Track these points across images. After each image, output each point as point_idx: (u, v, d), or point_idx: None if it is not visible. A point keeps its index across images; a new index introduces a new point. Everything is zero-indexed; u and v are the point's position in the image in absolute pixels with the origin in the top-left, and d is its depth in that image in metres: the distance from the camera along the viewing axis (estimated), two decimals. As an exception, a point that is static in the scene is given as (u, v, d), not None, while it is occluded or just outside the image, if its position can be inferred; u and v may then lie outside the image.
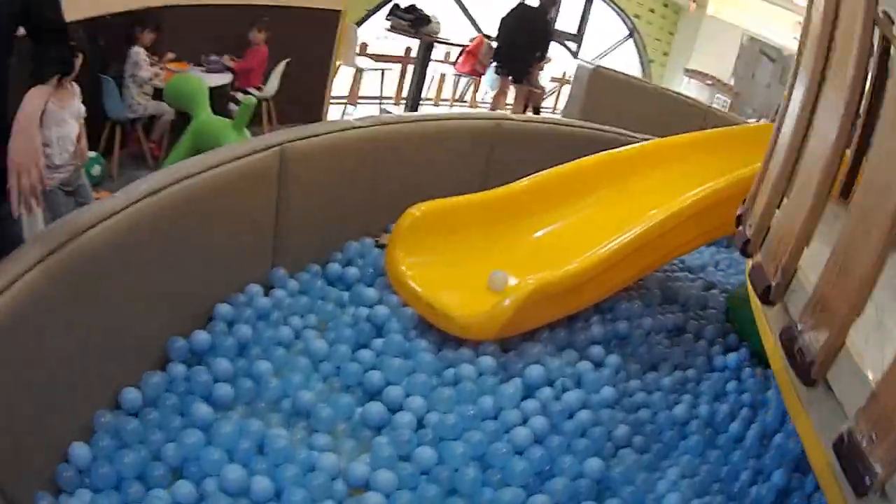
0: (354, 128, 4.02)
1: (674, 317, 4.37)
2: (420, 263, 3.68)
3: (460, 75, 10.44)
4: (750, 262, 2.93)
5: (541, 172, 4.30)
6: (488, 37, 9.72)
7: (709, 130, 5.05)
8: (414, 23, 8.83)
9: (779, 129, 3.04)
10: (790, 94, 2.99)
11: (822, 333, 1.77)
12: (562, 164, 4.49)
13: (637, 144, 4.80)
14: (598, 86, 8.49)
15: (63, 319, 2.46)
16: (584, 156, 4.61)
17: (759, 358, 4.15)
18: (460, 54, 10.02)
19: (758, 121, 15.31)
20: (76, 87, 4.27)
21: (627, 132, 5.85)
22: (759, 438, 3.53)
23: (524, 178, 4.24)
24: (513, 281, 3.64)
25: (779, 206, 2.74)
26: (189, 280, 3.19)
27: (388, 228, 4.22)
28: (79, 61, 3.80)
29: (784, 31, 14.81)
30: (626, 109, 8.43)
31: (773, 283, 2.45)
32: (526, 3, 8.85)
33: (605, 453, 3.14)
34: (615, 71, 9.41)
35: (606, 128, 5.76)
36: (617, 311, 4.18)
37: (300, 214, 3.78)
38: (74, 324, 2.52)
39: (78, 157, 4.36)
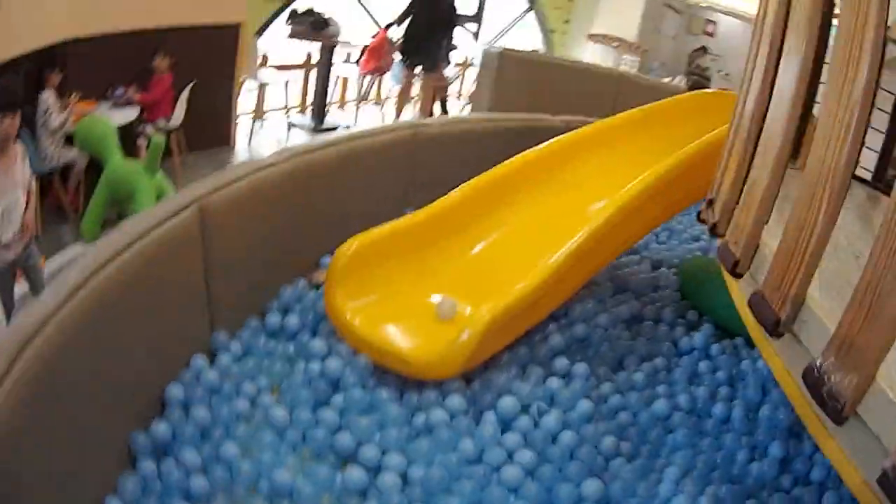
0: (268, 166, 3.81)
1: (628, 306, 4.28)
2: (363, 306, 3.50)
3: (365, 75, 10.18)
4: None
5: (469, 181, 4.12)
6: (389, 27, 9.53)
7: (641, 108, 4.84)
8: (313, 26, 8.64)
9: (742, 104, 2.96)
10: (751, 70, 2.92)
11: (851, 375, 1.69)
12: (489, 163, 4.37)
13: (567, 134, 4.62)
14: (506, 69, 8.30)
15: (28, 438, 2.28)
16: (512, 152, 4.49)
17: (723, 329, 4.15)
18: (363, 53, 9.81)
19: (672, 79, 15.48)
20: (19, 148, 3.99)
21: (548, 117, 5.84)
22: (745, 414, 3.52)
23: (454, 190, 4.06)
24: (464, 308, 3.48)
25: (744, 182, 2.72)
26: (135, 365, 3.00)
27: (320, 264, 4.09)
28: (13, 120, 3.51)
29: None
30: (538, 89, 8.38)
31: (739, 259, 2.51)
32: None
33: (597, 469, 3.04)
34: (522, 51, 9.29)
35: (526, 116, 5.72)
36: (571, 314, 4.08)
37: (229, 267, 3.58)
38: (38, 440, 2.34)
39: (27, 231, 4.07)
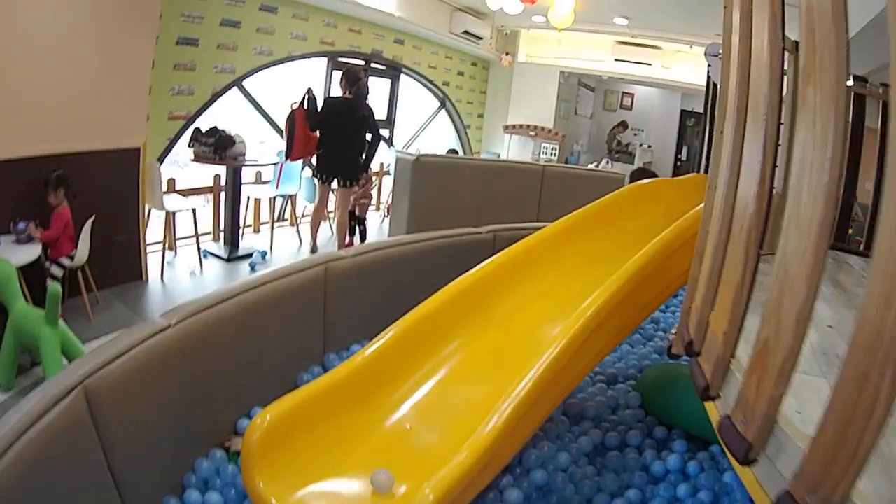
0: (159, 332, 3.33)
1: (588, 437, 3.85)
2: (288, 487, 3.01)
3: (276, 196, 9.77)
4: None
5: (396, 323, 3.66)
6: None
7: (581, 210, 4.45)
8: (217, 147, 8.12)
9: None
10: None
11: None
12: (412, 291, 4.09)
13: (500, 256, 4.16)
14: (423, 175, 8.05)
15: None
16: (437, 274, 4.22)
17: (697, 438, 3.81)
18: (290, 143, 9.18)
19: (598, 163, 15.40)
20: None
21: (472, 230, 5.56)
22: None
23: (378, 337, 3.57)
24: (400, 485, 3.02)
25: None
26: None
27: (237, 429, 3.69)
28: None
29: (600, 55, 14.97)
30: (460, 192, 8.26)
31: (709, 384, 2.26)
32: (336, 96, 8.41)
33: None
34: (438, 155, 9.02)
35: (447, 232, 5.37)
36: (526, 461, 3.62)
37: (131, 448, 3.08)
38: None
39: None
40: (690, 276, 2.81)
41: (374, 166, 11.03)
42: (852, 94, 4.37)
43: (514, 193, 8.87)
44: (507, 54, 15.33)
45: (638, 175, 6.54)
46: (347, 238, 9.23)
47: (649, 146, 18.10)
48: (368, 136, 8.34)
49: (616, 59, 14.87)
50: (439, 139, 15.40)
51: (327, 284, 4.28)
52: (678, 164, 19.42)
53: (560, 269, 4.08)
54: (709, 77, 4.74)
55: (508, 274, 4.01)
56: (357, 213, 9.47)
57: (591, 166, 14.98)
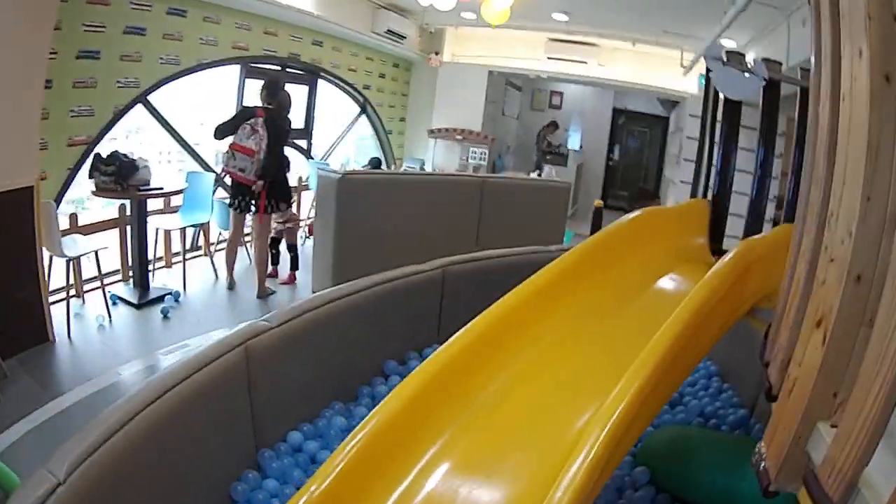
0: (54, 489, 2.61)
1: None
2: None
3: (186, 227, 8.91)
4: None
5: (358, 432, 2.77)
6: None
7: (570, 254, 3.73)
8: (118, 175, 7.20)
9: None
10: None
11: None
12: (356, 356, 4.00)
13: (471, 326, 3.27)
14: (349, 195, 7.44)
15: None
16: (379, 328, 4.14)
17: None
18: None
19: (539, 172, 14.91)
20: None
21: (417, 268, 4.99)
22: None
23: (338, 452, 2.69)
24: None
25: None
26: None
27: None
28: None
29: (532, 54, 14.66)
30: (392, 211, 7.74)
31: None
32: (253, 105, 7.78)
33: None
34: (365, 172, 8.42)
35: (389, 276, 4.76)
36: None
37: None
38: None
39: None
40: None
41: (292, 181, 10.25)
42: None
43: (452, 210, 8.36)
44: (435, 54, 14.82)
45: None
46: (270, 267, 8.67)
47: (580, 147, 17.73)
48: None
49: (549, 58, 14.50)
50: (360, 147, 14.86)
51: (250, 367, 3.60)
52: (609, 163, 19.29)
53: (552, 335, 3.35)
54: (708, 84, 4.21)
55: (489, 349, 3.19)
56: (286, 239, 8.85)
57: (533, 175, 14.46)
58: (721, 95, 4.26)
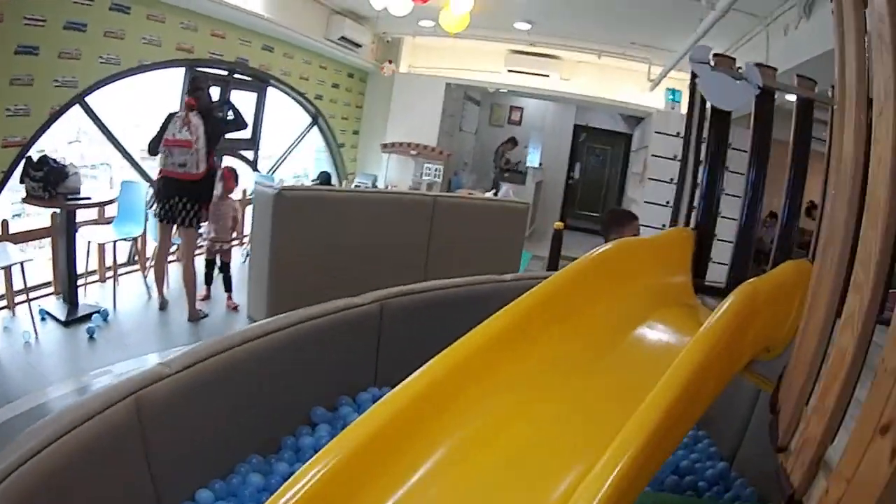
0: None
1: None
2: None
3: (118, 240, 8.20)
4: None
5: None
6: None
7: (531, 295, 3.05)
8: (46, 182, 6.65)
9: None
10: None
11: None
12: (278, 406, 3.55)
13: (404, 388, 2.66)
14: (286, 212, 6.95)
15: None
16: (312, 380, 3.72)
17: None
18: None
19: (497, 191, 14.37)
20: None
21: (350, 300, 4.48)
22: None
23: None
24: None
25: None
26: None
27: None
28: None
29: (492, 66, 14.34)
30: (332, 233, 7.27)
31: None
32: (178, 111, 7.15)
33: None
34: (305, 188, 7.86)
35: (323, 309, 4.27)
36: None
37: None
38: None
39: None
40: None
41: (237, 194, 9.54)
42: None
43: (400, 231, 7.94)
44: (389, 62, 14.15)
45: (611, 220, 5.37)
46: (203, 290, 8.04)
47: (539, 165, 17.30)
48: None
49: (510, 70, 14.12)
50: (310, 161, 14.28)
51: (143, 421, 3.00)
52: (570, 181, 18.91)
53: (509, 394, 2.68)
54: (693, 92, 3.67)
55: (431, 409, 2.45)
56: (221, 258, 8.21)
57: (489, 194, 13.93)
58: (708, 106, 3.69)
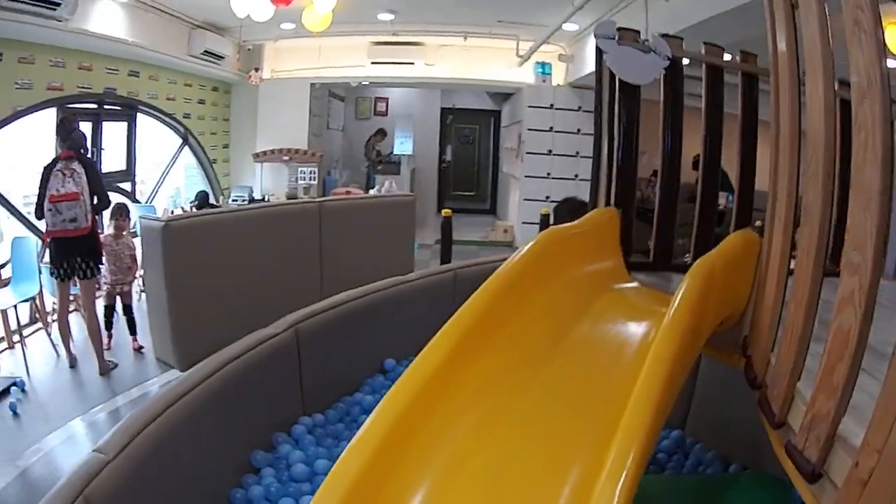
0: None
1: None
2: None
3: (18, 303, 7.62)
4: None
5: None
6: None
7: (468, 308, 2.93)
8: None
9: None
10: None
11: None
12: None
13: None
14: (178, 246, 6.65)
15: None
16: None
17: None
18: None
19: (381, 188, 14.23)
20: None
21: (264, 332, 4.29)
22: None
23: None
24: None
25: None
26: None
27: None
28: None
29: (355, 60, 14.17)
30: (227, 254, 7.06)
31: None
32: (52, 160, 6.75)
33: None
34: (191, 215, 7.52)
35: (228, 355, 3.96)
36: None
37: None
38: None
39: None
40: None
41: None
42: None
43: (291, 242, 7.81)
44: (256, 70, 13.92)
45: (566, 211, 5.29)
46: (105, 339, 7.56)
47: (412, 152, 17.31)
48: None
49: (374, 62, 14.00)
50: (190, 178, 13.88)
51: None
52: (443, 164, 19.02)
53: (464, 417, 2.58)
54: (600, 67, 3.63)
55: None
56: (122, 301, 7.85)
57: (372, 192, 13.83)
58: (617, 81, 3.65)
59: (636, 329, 2.88)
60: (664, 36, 3.54)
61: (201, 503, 3.53)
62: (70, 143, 6.77)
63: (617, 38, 3.52)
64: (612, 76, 3.67)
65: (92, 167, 6.79)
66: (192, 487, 3.47)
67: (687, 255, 3.82)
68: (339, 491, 2.06)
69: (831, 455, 1.82)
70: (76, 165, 6.59)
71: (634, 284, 3.40)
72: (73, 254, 6.74)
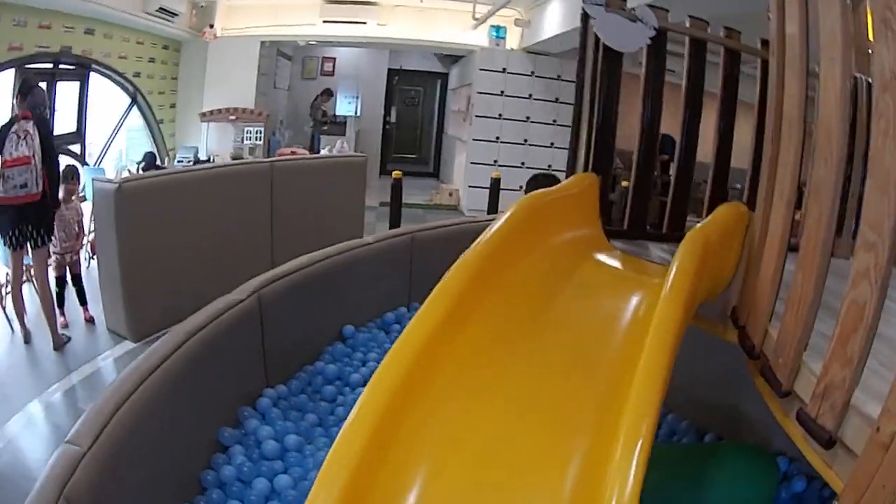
0: None
1: None
2: None
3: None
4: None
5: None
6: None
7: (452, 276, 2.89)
8: None
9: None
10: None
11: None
12: None
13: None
14: (132, 209, 6.50)
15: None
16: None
17: None
18: None
19: (331, 147, 14.14)
20: None
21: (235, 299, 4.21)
22: None
23: None
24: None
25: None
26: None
27: None
28: None
29: (306, 19, 14.08)
30: (183, 218, 6.98)
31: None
32: (8, 120, 6.45)
33: None
34: (145, 176, 7.38)
35: (207, 315, 3.95)
36: None
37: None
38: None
39: None
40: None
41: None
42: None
43: (243, 204, 7.74)
44: (210, 27, 13.76)
45: (536, 187, 5.28)
46: (60, 316, 7.22)
47: (357, 115, 17.24)
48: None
49: (325, 21, 13.85)
50: (131, 141, 13.59)
51: None
52: (387, 126, 18.98)
53: (458, 388, 2.57)
54: (585, 33, 3.66)
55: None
56: (70, 271, 7.49)
57: (323, 152, 13.74)
58: (601, 47, 3.68)
59: (625, 297, 2.86)
60: (651, 7, 3.58)
61: (178, 487, 3.48)
62: (30, 101, 6.54)
63: (605, 4, 3.55)
64: (597, 42, 3.70)
65: (46, 128, 6.53)
66: (168, 471, 3.42)
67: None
68: (338, 481, 1.95)
69: (844, 422, 1.89)
70: (30, 127, 6.35)
71: (614, 252, 3.43)
72: (24, 221, 6.49)
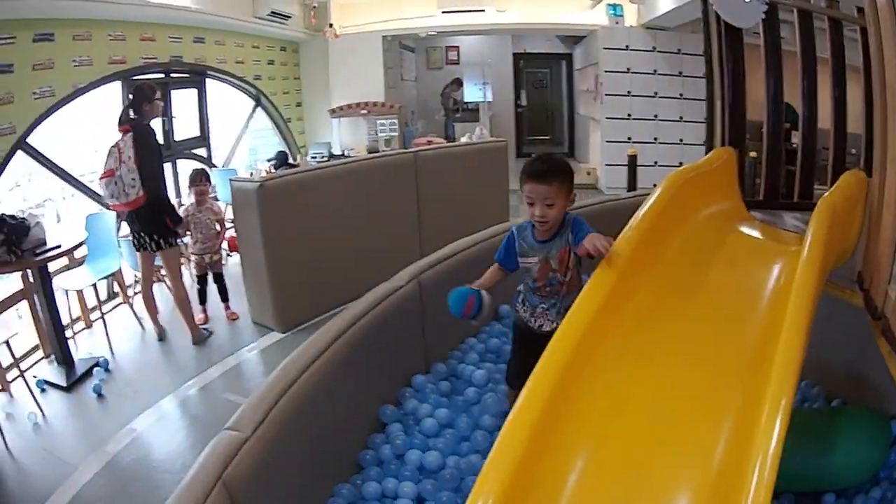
0: None
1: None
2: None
3: (97, 280, 7.40)
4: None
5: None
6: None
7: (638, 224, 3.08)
8: (8, 242, 5.96)
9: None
10: None
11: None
12: None
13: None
14: (273, 206, 6.75)
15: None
16: None
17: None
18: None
19: (470, 135, 14.30)
20: None
21: (394, 286, 4.43)
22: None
23: None
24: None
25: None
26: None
27: None
28: None
29: (424, 11, 14.19)
30: (323, 215, 7.25)
31: None
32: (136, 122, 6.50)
33: None
34: (284, 174, 7.47)
35: (373, 298, 4.23)
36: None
37: None
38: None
39: None
40: None
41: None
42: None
43: (388, 195, 7.93)
44: (330, 26, 13.98)
45: None
46: (199, 313, 7.58)
47: (489, 99, 17.29)
48: None
49: (444, 12, 13.90)
50: (264, 143, 14.03)
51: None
52: (518, 109, 18.96)
53: (635, 349, 2.66)
54: (706, 13, 3.76)
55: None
56: (212, 270, 7.71)
57: (463, 139, 13.83)
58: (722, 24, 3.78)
59: (768, 266, 3.02)
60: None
61: (335, 468, 3.68)
62: (150, 111, 6.59)
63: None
64: (718, 19, 3.80)
65: (143, 135, 6.49)
66: (327, 453, 3.59)
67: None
68: (511, 451, 2.09)
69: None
70: (122, 141, 6.42)
71: (755, 223, 3.54)
72: (136, 226, 6.66)
